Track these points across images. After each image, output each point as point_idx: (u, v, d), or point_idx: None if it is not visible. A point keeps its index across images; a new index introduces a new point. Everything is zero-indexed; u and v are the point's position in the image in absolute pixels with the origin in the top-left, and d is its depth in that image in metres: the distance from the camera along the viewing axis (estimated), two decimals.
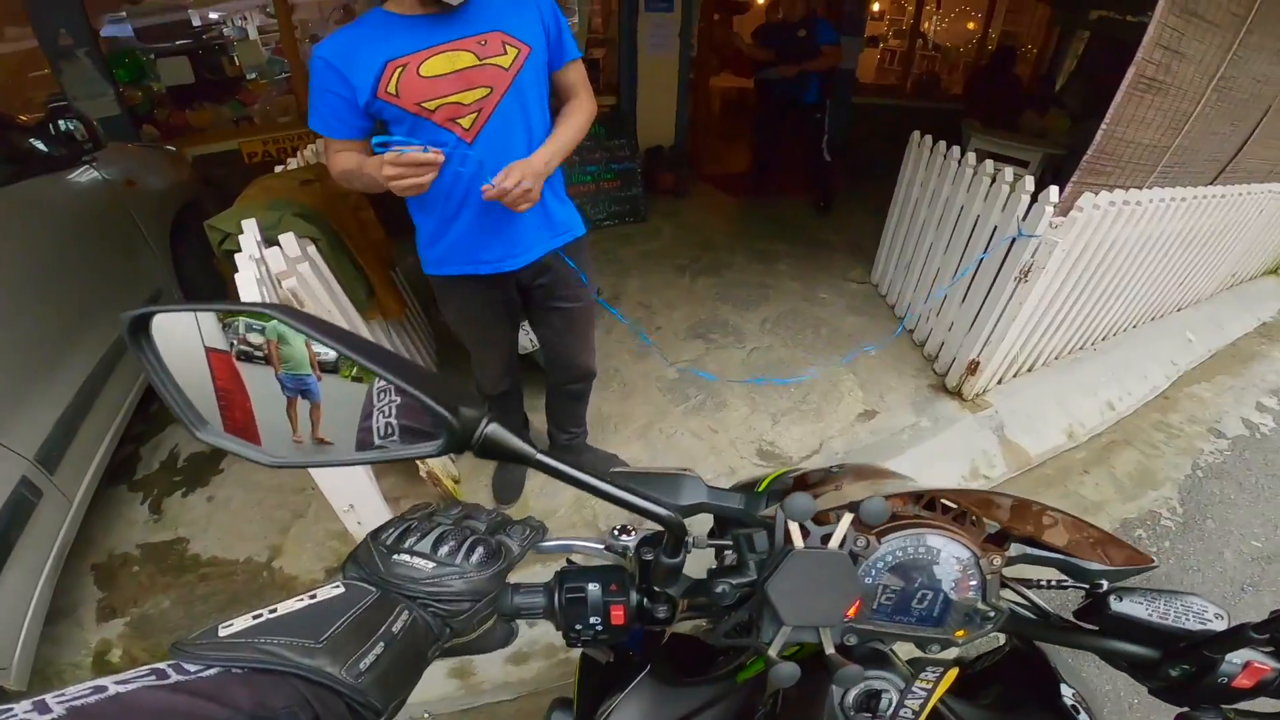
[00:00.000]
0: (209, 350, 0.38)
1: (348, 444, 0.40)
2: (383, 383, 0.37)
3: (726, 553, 0.52)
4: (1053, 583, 0.58)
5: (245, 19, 4.76)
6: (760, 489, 0.57)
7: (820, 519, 0.47)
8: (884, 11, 8.23)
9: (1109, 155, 2.09)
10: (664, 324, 3.04)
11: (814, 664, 0.49)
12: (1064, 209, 2.03)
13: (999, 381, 2.57)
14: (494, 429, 0.37)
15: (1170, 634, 0.51)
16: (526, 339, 2.08)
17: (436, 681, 1.55)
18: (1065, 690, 0.56)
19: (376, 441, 0.39)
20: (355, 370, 0.38)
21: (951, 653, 0.55)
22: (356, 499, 1.43)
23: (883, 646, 0.50)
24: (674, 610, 0.50)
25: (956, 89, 6.33)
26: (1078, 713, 0.55)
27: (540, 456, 0.39)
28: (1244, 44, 2.25)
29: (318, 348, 0.37)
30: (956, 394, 2.52)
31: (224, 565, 1.82)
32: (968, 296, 2.43)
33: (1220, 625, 0.50)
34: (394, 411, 0.38)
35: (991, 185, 2.31)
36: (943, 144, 2.71)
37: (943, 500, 0.51)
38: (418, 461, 1.74)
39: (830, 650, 0.44)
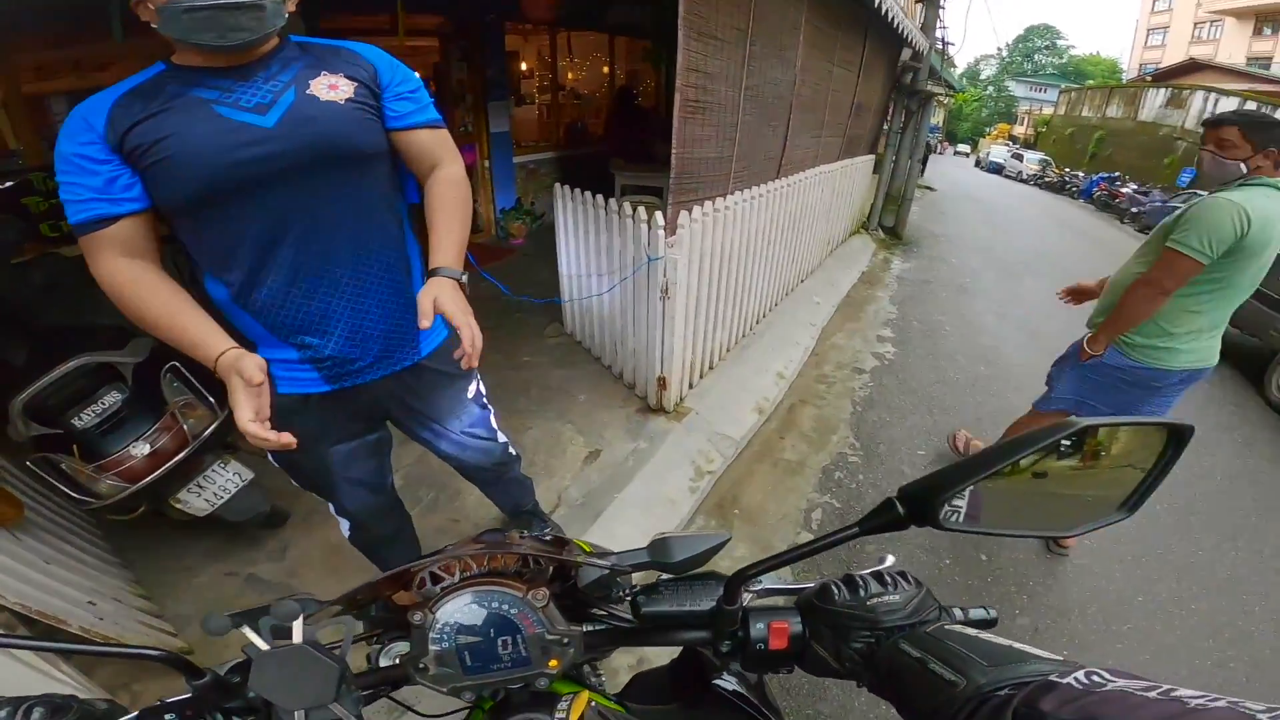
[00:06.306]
0: None
1: None
2: None
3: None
4: (626, 593, 0.66)
5: None
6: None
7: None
8: (532, 69, 9.11)
9: (689, 174, 2.65)
10: None
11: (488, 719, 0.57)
12: (670, 229, 2.51)
13: (690, 386, 3.03)
14: None
15: (701, 617, 0.58)
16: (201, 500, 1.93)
17: None
18: (724, 678, 0.65)
19: None
20: None
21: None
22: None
23: (543, 686, 0.56)
24: (252, 712, 0.56)
25: (603, 131, 7.38)
26: (737, 694, 0.63)
27: None
28: (752, 54, 3.00)
29: None
30: (660, 410, 2.88)
31: None
32: (635, 323, 2.81)
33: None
34: None
35: (620, 220, 2.73)
36: (579, 191, 3.12)
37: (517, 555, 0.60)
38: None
39: None
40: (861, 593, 0.53)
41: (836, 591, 0.53)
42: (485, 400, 1.54)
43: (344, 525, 1.61)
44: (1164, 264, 1.77)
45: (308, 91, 1.02)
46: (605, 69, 9.05)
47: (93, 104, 0.95)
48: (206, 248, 1.07)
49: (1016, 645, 0.43)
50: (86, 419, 1.77)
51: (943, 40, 8.09)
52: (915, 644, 0.46)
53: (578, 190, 3.14)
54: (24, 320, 2.09)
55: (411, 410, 1.38)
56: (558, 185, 3.33)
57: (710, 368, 3.22)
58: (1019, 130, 40.83)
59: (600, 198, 2.94)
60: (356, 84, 1.06)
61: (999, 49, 53.04)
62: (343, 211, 1.09)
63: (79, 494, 1.76)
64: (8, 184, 3.17)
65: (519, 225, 5.53)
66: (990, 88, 52.02)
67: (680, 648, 0.73)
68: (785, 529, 2.56)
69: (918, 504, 0.47)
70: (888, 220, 7.36)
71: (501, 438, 1.62)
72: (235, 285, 1.08)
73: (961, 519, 0.48)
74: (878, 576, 0.54)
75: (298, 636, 0.51)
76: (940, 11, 6.84)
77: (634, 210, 2.66)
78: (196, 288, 1.10)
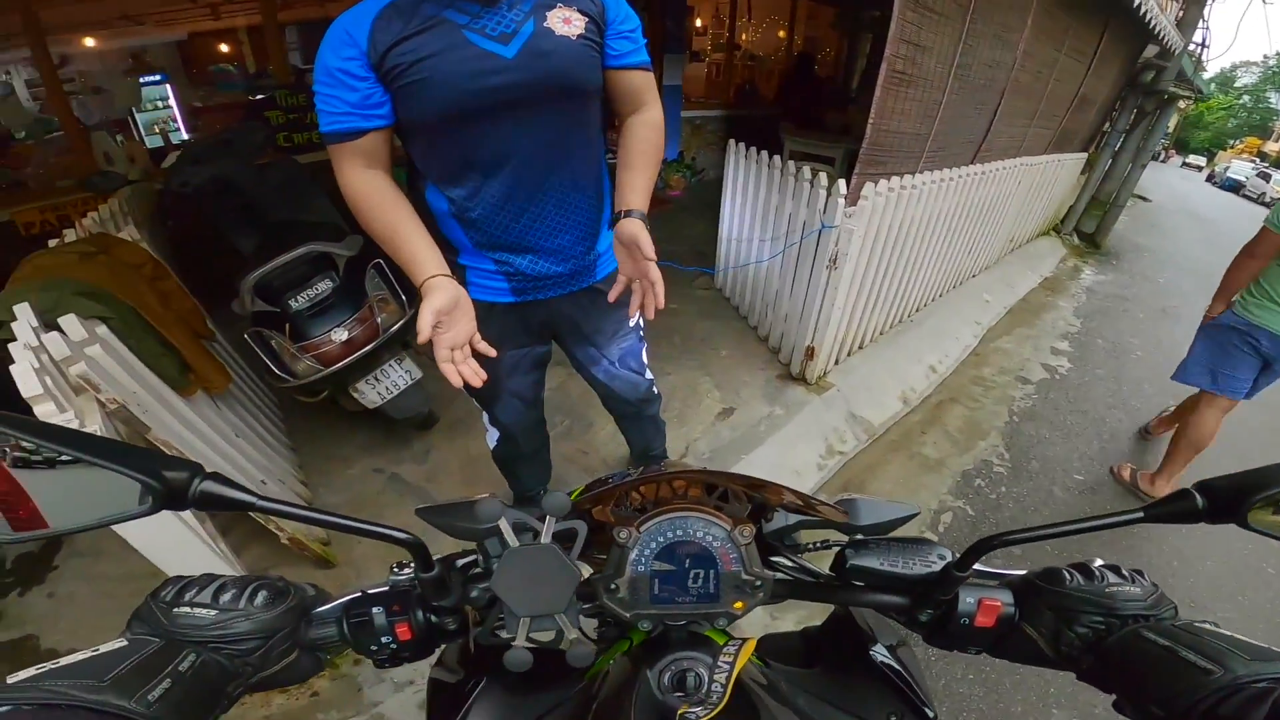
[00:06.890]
0: None
1: (60, 517, 0.44)
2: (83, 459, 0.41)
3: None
4: (818, 545, 0.67)
5: (9, 74, 4.54)
6: (573, 498, 0.63)
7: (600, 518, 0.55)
8: (706, 26, 9.06)
9: (880, 147, 2.54)
10: None
11: (638, 653, 0.55)
12: (852, 199, 2.43)
13: (836, 362, 2.97)
14: (209, 484, 0.44)
15: (908, 581, 0.56)
16: (374, 393, 2.09)
17: None
18: (877, 648, 0.62)
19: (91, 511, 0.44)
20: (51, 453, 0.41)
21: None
22: None
23: (700, 628, 0.55)
24: (464, 619, 0.56)
25: (774, 95, 7.17)
26: (889, 668, 0.61)
27: (262, 501, 0.45)
28: (971, 32, 2.82)
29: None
30: (801, 380, 2.86)
31: None
32: (794, 289, 2.79)
33: (941, 567, 0.56)
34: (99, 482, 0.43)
35: (795, 183, 2.69)
36: (754, 150, 3.10)
37: (723, 484, 0.58)
38: (275, 529, 1.72)
39: (573, 634, 0.50)
40: (1097, 581, 0.52)
41: (1069, 577, 0.52)
42: (642, 333, 1.58)
43: (492, 437, 1.71)
44: (1256, 236, 2.14)
45: (545, 24, 1.04)
46: (782, 33, 8.73)
47: (355, 15, 0.97)
48: (436, 164, 1.14)
49: (1274, 647, 0.42)
50: (300, 301, 1.97)
51: (1202, 41, 6.86)
52: (1161, 634, 0.45)
53: (752, 148, 3.12)
54: (259, 214, 2.37)
55: (579, 330, 1.44)
56: (731, 141, 3.32)
57: (860, 347, 3.12)
58: (1272, 146, 35.08)
59: (777, 158, 2.90)
60: (587, 19, 1.08)
61: (1265, 56, 45.66)
62: (559, 142, 1.13)
63: (280, 370, 1.95)
64: (259, 97, 3.77)
65: (678, 178, 5.60)
66: (1245, 97, 45.36)
67: (830, 612, 0.71)
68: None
69: (1223, 498, 0.44)
70: (1087, 226, 6.52)
71: (649, 374, 1.67)
72: (457, 200, 1.16)
73: (1272, 523, 0.45)
74: (1113, 569, 0.53)
75: (547, 537, 0.49)
76: (1205, 9, 5.82)
77: (813, 175, 2.60)
78: (415, 195, 1.18)
